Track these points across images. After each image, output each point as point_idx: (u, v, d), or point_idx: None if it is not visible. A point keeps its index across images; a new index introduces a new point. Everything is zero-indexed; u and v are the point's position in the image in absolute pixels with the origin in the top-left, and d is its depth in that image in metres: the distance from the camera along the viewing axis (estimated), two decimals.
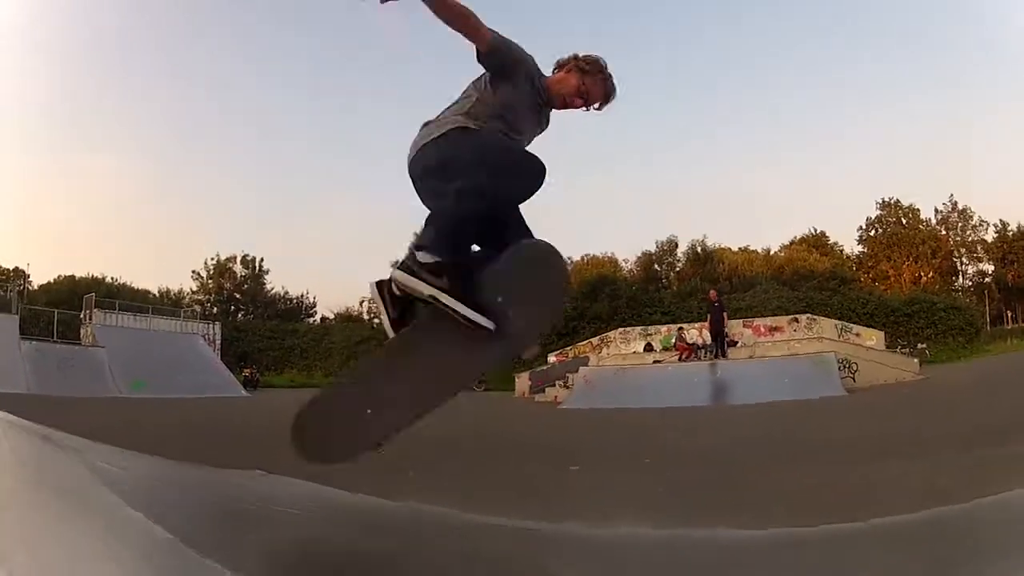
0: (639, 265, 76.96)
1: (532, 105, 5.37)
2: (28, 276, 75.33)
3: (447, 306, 4.85)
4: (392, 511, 7.32)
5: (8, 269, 74.62)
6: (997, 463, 9.21)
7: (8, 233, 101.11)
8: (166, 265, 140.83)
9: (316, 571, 4.95)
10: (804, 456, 13.12)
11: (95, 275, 74.38)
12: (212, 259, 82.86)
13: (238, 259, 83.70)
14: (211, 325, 59.01)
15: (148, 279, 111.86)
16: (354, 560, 5.54)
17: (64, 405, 20.43)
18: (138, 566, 4.00)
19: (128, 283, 75.70)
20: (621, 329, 48.93)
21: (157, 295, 77.21)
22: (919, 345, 51.05)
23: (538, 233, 5.52)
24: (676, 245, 77.93)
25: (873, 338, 44.29)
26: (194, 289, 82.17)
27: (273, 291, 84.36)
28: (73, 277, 72.58)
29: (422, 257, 4.78)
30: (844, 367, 33.30)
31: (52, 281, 73.43)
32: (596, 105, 5.63)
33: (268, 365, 63.18)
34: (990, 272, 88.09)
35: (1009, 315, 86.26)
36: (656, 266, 78.27)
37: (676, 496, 9.37)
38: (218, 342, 56.05)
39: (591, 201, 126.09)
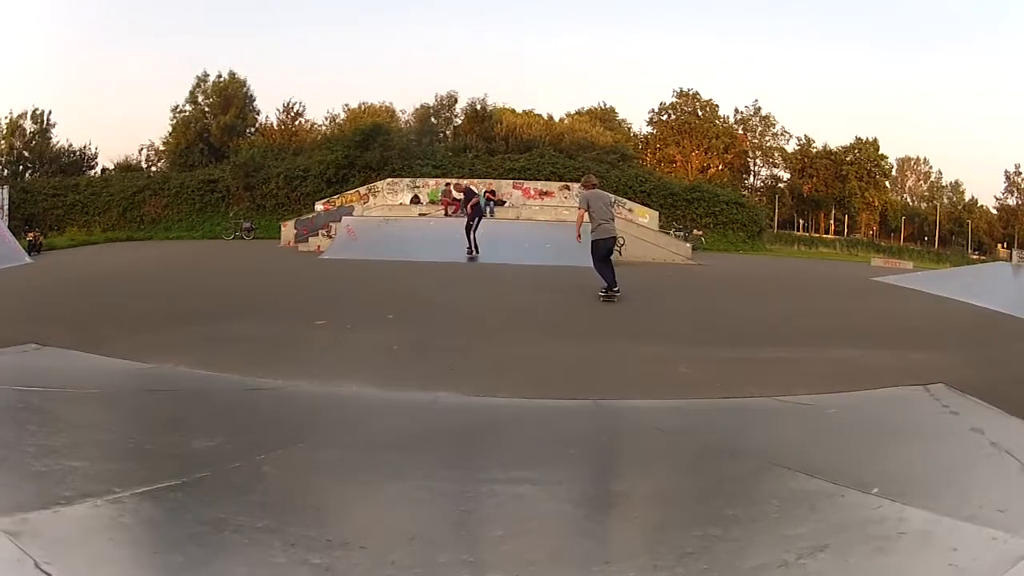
0: (416, 116, 74.43)
1: None
2: None
3: None
4: (141, 374, 8.85)
5: None
6: (746, 365, 9.48)
7: None
8: None
9: (26, 450, 5.71)
10: (555, 326, 13.53)
11: None
12: (5, 118, 75.31)
13: (28, 114, 76.01)
14: (1, 190, 54.08)
15: None
16: (81, 427, 6.69)
17: None
18: None
19: None
20: (390, 180, 48.29)
21: None
22: (695, 231, 52.36)
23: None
24: (455, 100, 75.68)
25: (646, 216, 45.10)
26: None
27: (58, 145, 76.96)
28: None
29: None
30: None
31: None
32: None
33: (52, 225, 57.75)
34: (786, 179, 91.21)
35: (801, 223, 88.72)
36: (433, 119, 75.92)
37: (411, 357, 10.06)
38: (6, 207, 52.23)
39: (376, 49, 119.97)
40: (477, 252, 26.97)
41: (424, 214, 38.40)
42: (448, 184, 41.97)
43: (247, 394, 7.96)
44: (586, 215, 16.51)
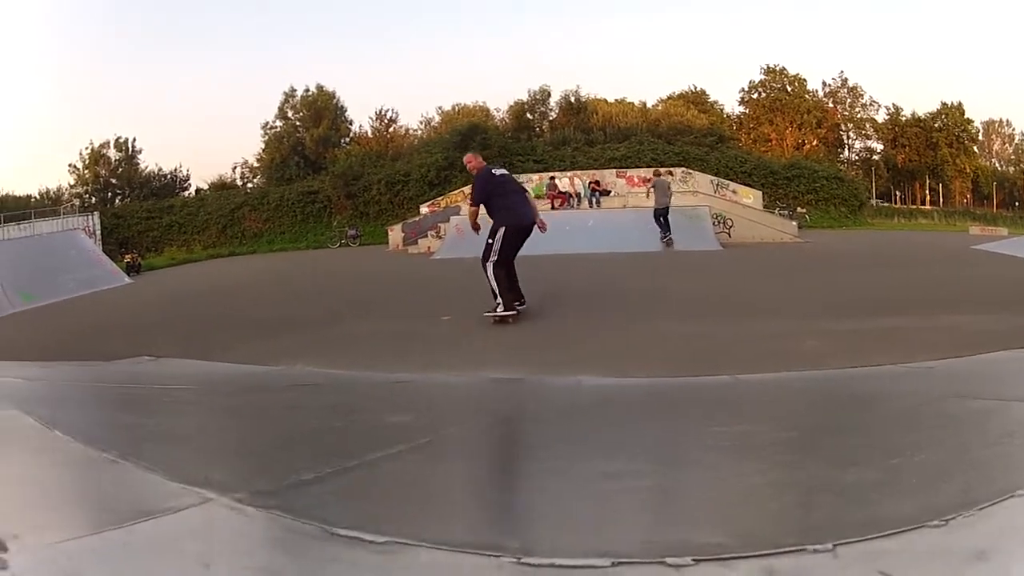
0: (511, 114, 75.24)
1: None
2: None
3: None
4: (273, 374, 8.92)
5: None
6: (868, 335, 9.45)
7: None
8: (46, 165, 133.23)
9: (165, 431, 6.09)
10: (675, 308, 13.50)
11: None
12: (87, 149, 77.64)
13: (111, 143, 78.30)
14: (90, 216, 56.60)
15: (31, 184, 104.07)
16: (246, 416, 6.99)
17: None
18: (44, 472, 4.77)
19: (11, 193, 72.16)
20: None
21: (39, 198, 72.72)
22: (799, 209, 51.56)
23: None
24: (549, 94, 75.54)
25: (750, 196, 45.05)
26: (72, 183, 77.20)
27: (147, 170, 79.22)
28: None
29: None
30: (719, 222, 33.81)
31: None
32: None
33: (148, 247, 59.92)
34: (879, 151, 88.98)
35: (898, 195, 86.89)
36: (528, 115, 76.01)
37: (537, 345, 10.11)
38: (98, 232, 53.80)
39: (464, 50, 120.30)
40: (506, 306, 11.70)
41: None
42: (553, 177, 43.40)
43: (391, 386, 7.89)
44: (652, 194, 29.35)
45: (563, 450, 5.09)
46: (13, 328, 18.76)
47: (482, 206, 11.82)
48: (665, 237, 28.44)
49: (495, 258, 11.57)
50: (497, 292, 11.56)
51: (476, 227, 12.05)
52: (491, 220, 11.83)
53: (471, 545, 3.12)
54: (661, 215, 28.41)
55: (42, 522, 3.59)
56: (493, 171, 12.24)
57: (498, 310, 11.50)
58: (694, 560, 2.77)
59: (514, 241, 11.81)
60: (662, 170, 35.80)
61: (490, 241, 11.65)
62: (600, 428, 5.72)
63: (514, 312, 11.61)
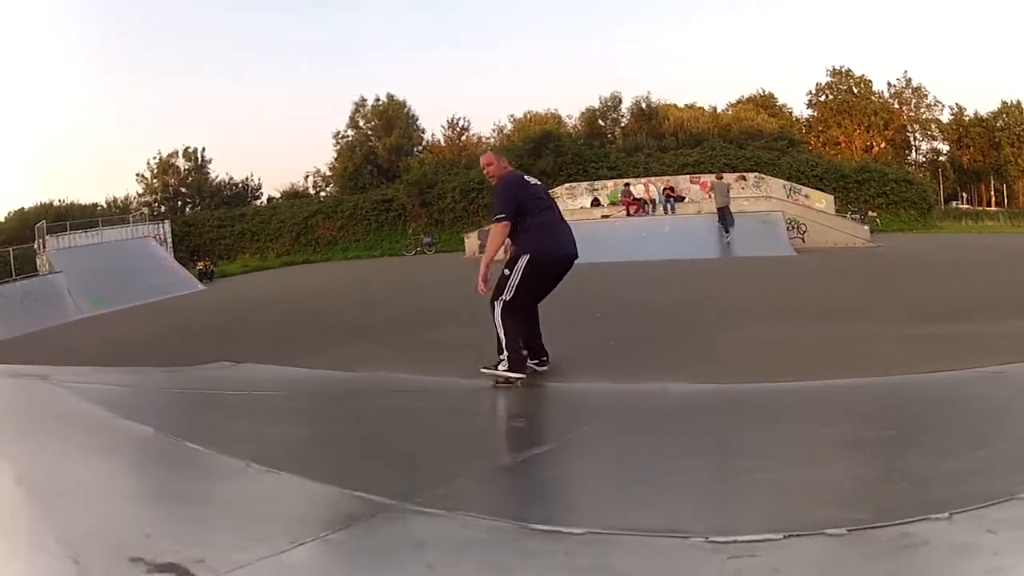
0: (583, 121, 75.84)
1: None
2: None
3: None
4: (366, 380, 9.25)
5: None
6: (938, 340, 9.55)
7: None
8: (111, 175, 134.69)
9: (289, 439, 6.15)
10: (755, 313, 13.66)
11: (43, 202, 70.61)
12: (154, 158, 79.44)
13: (180, 153, 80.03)
14: (160, 225, 56.95)
15: (96, 193, 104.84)
16: (327, 420, 7.45)
17: (34, 339, 19.90)
18: (133, 465, 5.36)
19: (76, 201, 72.45)
20: (568, 185, 48.30)
21: (106, 206, 73.59)
22: (870, 213, 50.65)
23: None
24: (620, 101, 75.04)
25: (823, 201, 44.53)
26: (140, 192, 78.99)
27: (218, 179, 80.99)
28: (22, 210, 68.53)
29: None
30: (793, 227, 34.17)
31: (2, 221, 69.25)
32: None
33: (221, 254, 60.79)
34: (945, 152, 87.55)
35: (964, 196, 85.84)
36: (600, 121, 75.78)
37: (624, 352, 10.26)
38: (169, 240, 54.08)
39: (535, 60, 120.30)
40: (511, 364, 8.05)
41: (606, 216, 39.08)
42: (627, 184, 43.84)
43: (482, 392, 7.79)
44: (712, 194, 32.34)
45: (673, 448, 5.50)
46: (87, 332, 19.81)
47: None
48: (726, 236, 30.86)
49: (508, 297, 8.20)
50: (503, 344, 8.14)
51: (485, 277, 8.56)
52: (512, 245, 8.43)
53: (659, 531, 3.48)
54: (723, 215, 31.08)
55: (222, 542, 3.59)
56: (526, 177, 8.83)
57: (500, 367, 8.08)
58: (848, 531, 3.33)
59: (543, 278, 8.51)
60: (724, 174, 38.89)
61: (507, 272, 8.27)
62: (704, 431, 6.13)
63: (522, 376, 8.06)
